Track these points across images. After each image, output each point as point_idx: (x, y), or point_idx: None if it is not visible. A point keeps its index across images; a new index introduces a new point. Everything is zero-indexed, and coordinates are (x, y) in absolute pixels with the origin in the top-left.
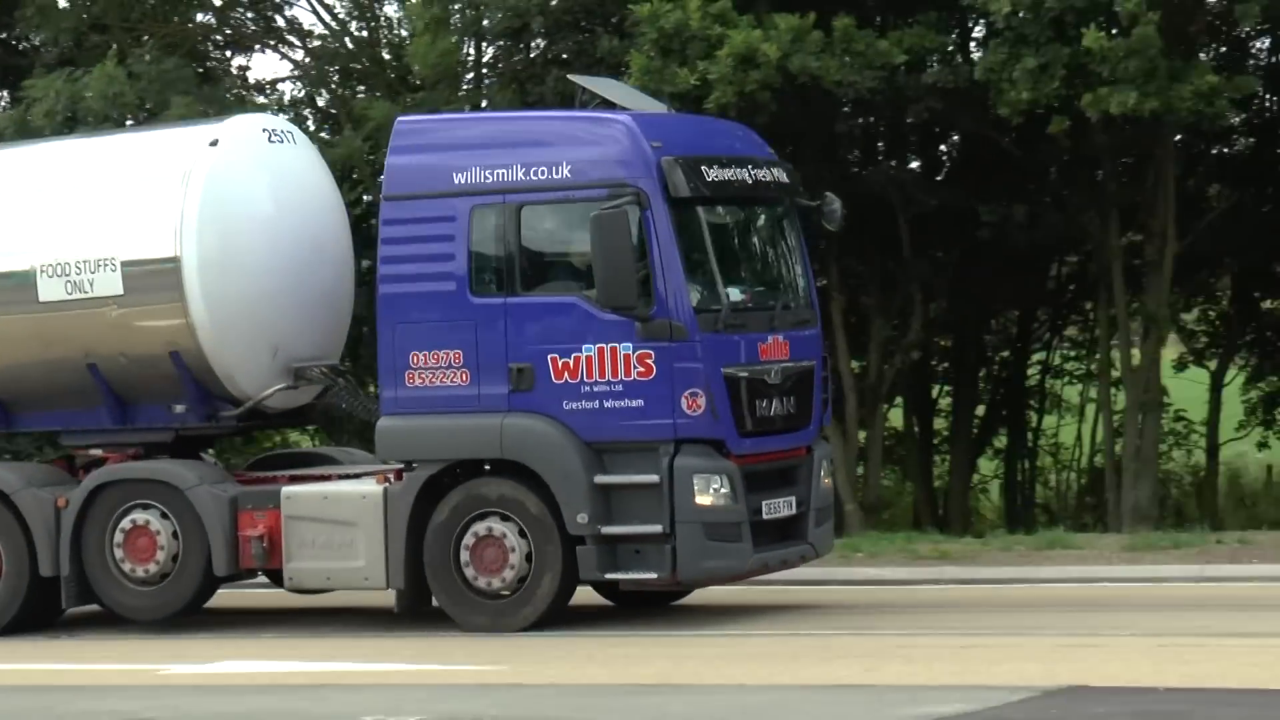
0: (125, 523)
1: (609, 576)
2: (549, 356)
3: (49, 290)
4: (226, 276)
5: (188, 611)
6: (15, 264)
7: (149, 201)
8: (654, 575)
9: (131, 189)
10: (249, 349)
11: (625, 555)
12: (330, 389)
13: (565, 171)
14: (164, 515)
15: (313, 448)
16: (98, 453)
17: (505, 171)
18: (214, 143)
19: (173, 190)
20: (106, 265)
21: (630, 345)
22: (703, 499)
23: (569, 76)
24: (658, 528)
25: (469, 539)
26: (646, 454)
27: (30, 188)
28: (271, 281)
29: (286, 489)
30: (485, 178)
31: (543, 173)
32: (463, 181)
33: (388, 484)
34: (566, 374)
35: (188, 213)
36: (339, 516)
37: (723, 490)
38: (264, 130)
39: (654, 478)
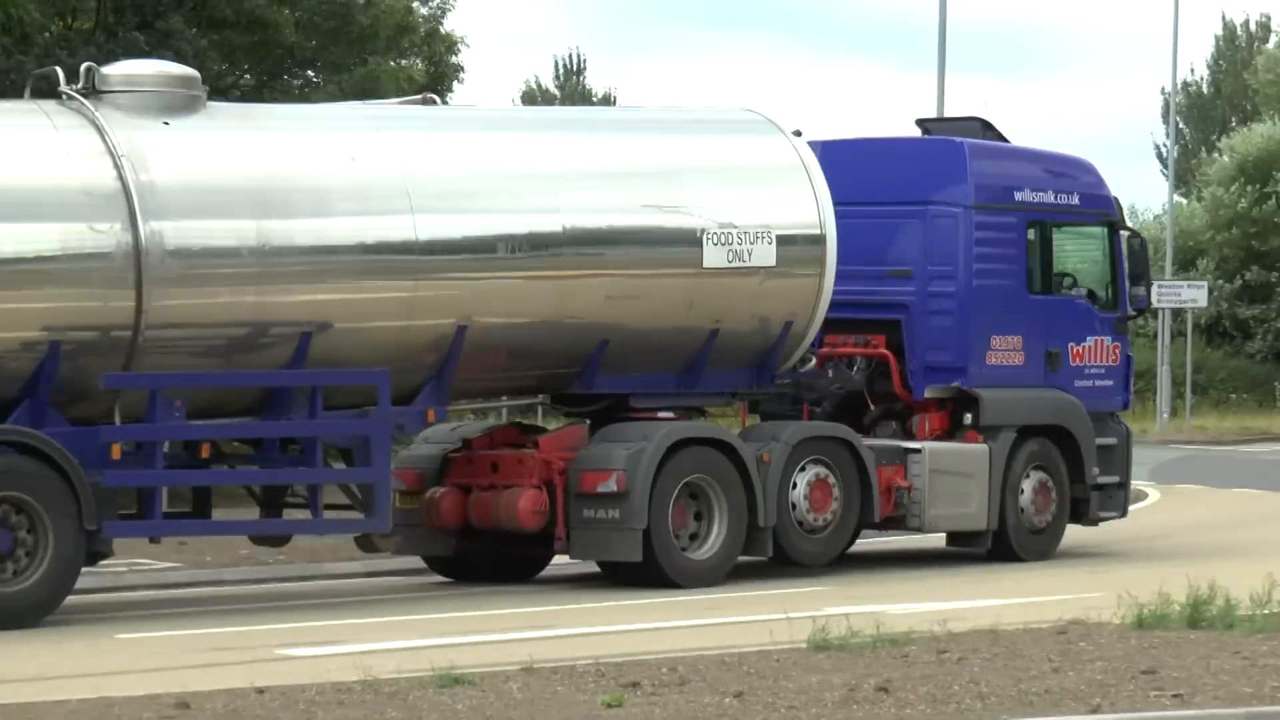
0: (809, 475)
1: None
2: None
3: (713, 257)
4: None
5: (839, 558)
6: (685, 226)
7: (790, 181)
8: (1115, 514)
9: (772, 169)
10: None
11: (1106, 499)
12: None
13: (1075, 200)
14: (830, 468)
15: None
16: (668, 415)
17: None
18: (798, 132)
19: (807, 173)
20: (764, 237)
21: (1110, 338)
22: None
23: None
24: (1116, 479)
25: (1025, 487)
26: (1107, 422)
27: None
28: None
29: (926, 445)
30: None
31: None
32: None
33: (990, 443)
34: (1079, 359)
35: (822, 194)
36: (963, 469)
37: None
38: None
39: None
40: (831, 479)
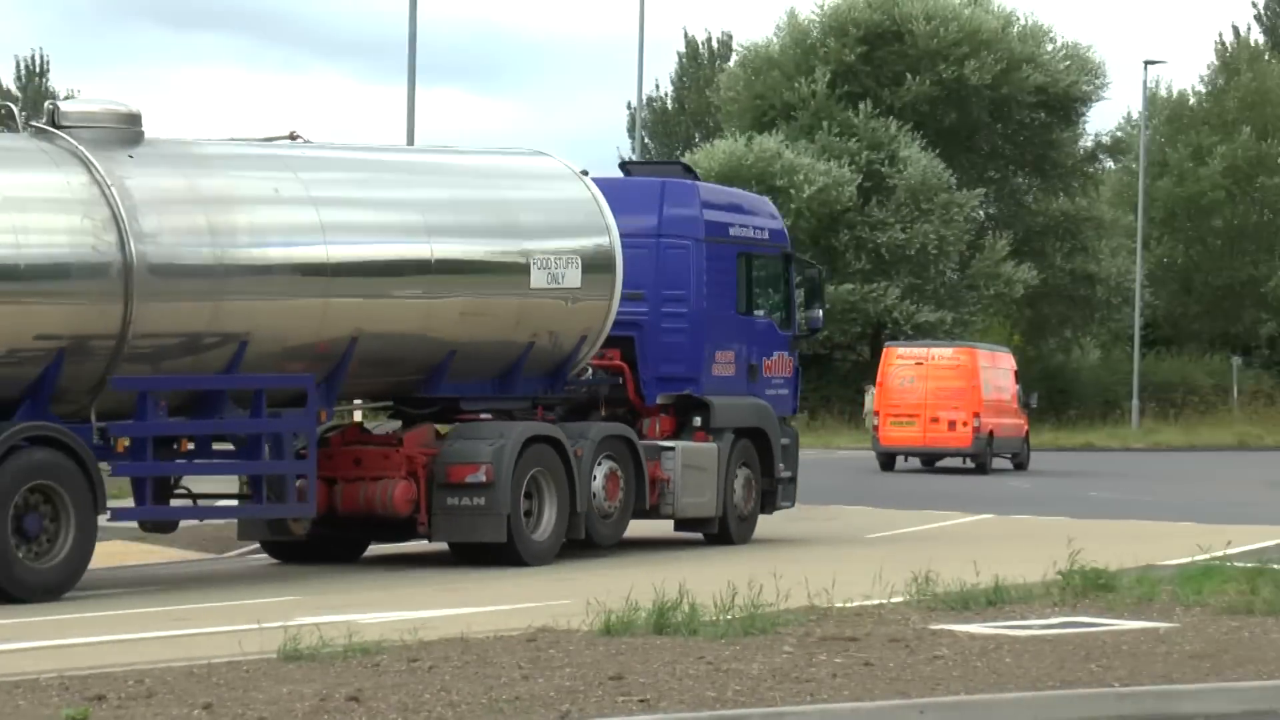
0: (605, 469)
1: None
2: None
3: (538, 280)
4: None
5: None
6: (518, 252)
7: (587, 214)
8: (788, 504)
9: (574, 203)
10: None
11: (784, 491)
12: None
13: (766, 235)
14: (618, 462)
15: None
16: (487, 416)
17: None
18: (585, 172)
19: (600, 208)
20: (572, 263)
21: (786, 353)
22: None
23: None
24: (790, 474)
25: (737, 481)
26: (783, 424)
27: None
28: None
29: (678, 444)
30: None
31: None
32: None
33: (718, 443)
34: (768, 371)
35: (611, 227)
36: (702, 465)
37: None
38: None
39: (788, 440)
40: (619, 472)
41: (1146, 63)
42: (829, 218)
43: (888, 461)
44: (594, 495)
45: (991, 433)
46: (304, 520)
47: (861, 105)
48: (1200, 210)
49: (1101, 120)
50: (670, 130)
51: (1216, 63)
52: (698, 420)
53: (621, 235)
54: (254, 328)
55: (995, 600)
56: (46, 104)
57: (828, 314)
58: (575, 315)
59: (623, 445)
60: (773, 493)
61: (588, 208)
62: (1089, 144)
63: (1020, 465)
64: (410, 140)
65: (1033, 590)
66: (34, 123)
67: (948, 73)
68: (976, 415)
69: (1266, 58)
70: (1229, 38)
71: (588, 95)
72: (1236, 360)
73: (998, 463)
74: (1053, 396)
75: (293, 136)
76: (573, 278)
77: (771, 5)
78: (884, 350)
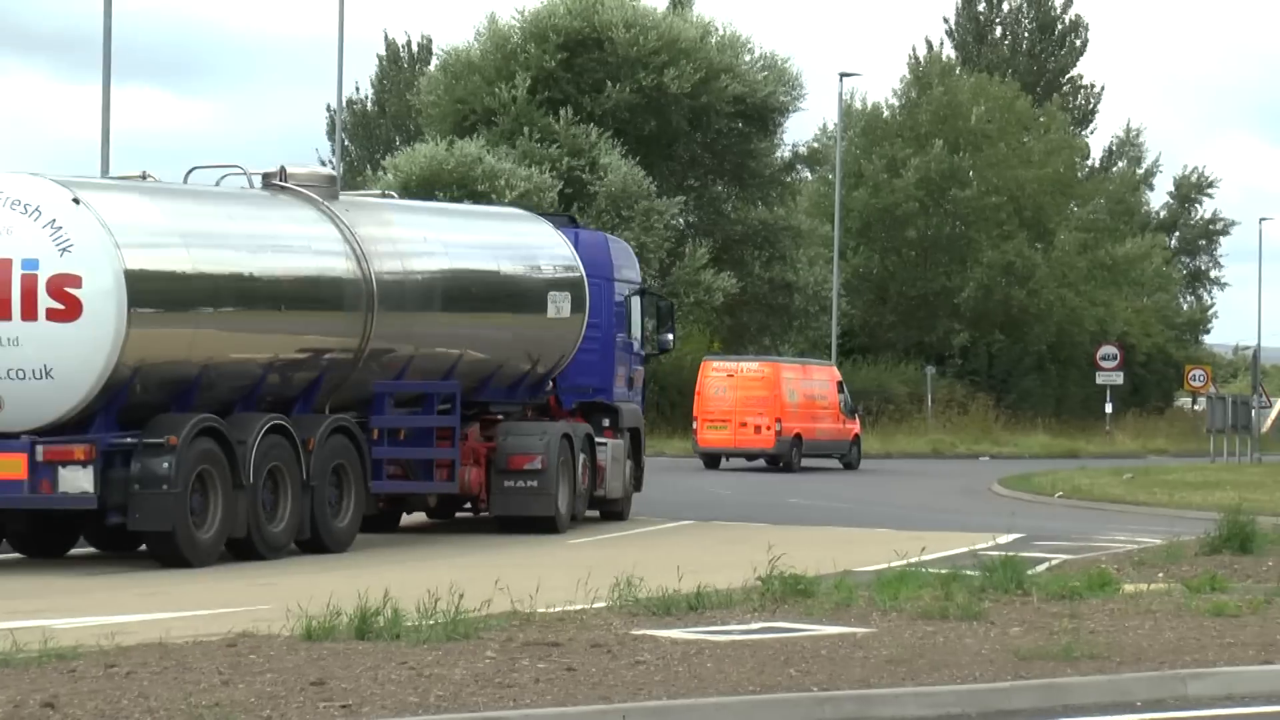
0: (582, 459)
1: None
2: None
3: (551, 310)
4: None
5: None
6: (538, 288)
7: (566, 259)
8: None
9: (556, 248)
10: None
11: (641, 477)
12: None
13: (634, 274)
14: (587, 454)
15: None
16: (501, 417)
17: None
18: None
19: (573, 253)
20: (564, 298)
21: (642, 368)
22: None
23: None
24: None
25: (627, 467)
26: None
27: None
28: None
29: (608, 441)
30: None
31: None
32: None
33: (621, 439)
34: (636, 383)
35: (581, 268)
36: (618, 456)
37: None
38: None
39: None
40: (588, 462)
41: (842, 75)
42: None
43: (710, 461)
44: (581, 480)
45: (799, 435)
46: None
47: (562, 112)
48: (895, 221)
49: (799, 131)
50: (371, 133)
51: (909, 76)
52: (606, 421)
53: None
54: (419, 345)
55: (696, 606)
56: (279, 166)
57: None
58: (562, 340)
59: (589, 441)
60: (639, 478)
61: (564, 250)
62: (786, 154)
63: (849, 465)
64: (105, 142)
65: (733, 596)
66: (275, 181)
67: (647, 81)
68: (779, 420)
69: (958, 72)
70: (922, 51)
71: (287, 96)
72: (930, 369)
73: (826, 463)
74: None
75: (144, 176)
76: (565, 311)
77: (472, 9)
78: (702, 363)
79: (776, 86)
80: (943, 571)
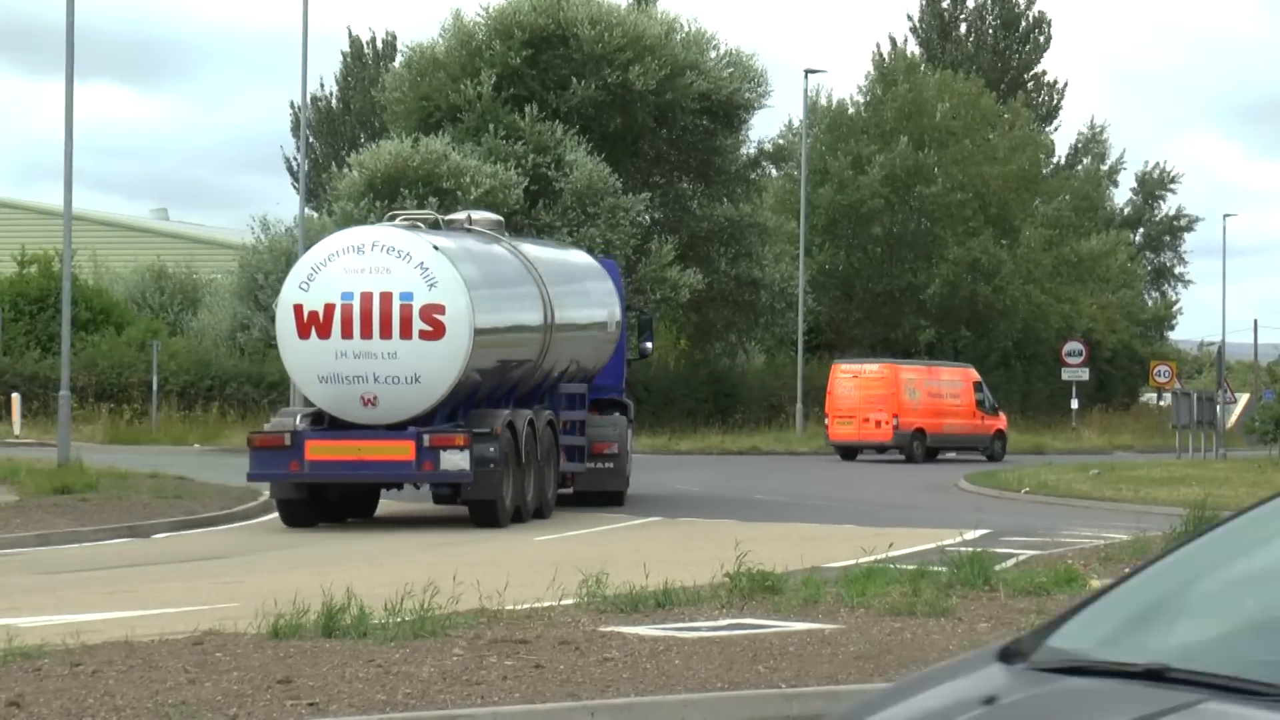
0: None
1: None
2: None
3: (608, 324)
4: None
5: None
6: (602, 314)
7: (606, 280)
8: None
9: (601, 274)
10: None
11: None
12: None
13: (625, 292)
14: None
15: None
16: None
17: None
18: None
19: (610, 277)
20: (611, 319)
21: (626, 369)
22: None
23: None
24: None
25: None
26: None
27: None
28: None
29: (628, 430)
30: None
31: (624, 291)
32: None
33: (632, 428)
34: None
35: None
36: (630, 443)
37: None
38: None
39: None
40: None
41: (807, 71)
42: None
43: (847, 453)
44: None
45: (921, 430)
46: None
47: (527, 108)
48: (860, 218)
49: (764, 128)
50: (335, 130)
51: (874, 73)
52: (617, 413)
53: None
54: (570, 356)
55: (664, 603)
56: (461, 214)
57: None
58: (607, 350)
59: (629, 429)
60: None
61: (611, 282)
62: (752, 151)
63: (991, 457)
64: (69, 138)
65: (701, 593)
66: (465, 225)
67: (612, 77)
68: (895, 416)
69: (923, 69)
70: (886, 48)
71: (251, 93)
72: None
73: (966, 455)
74: (719, 400)
75: (436, 223)
76: (611, 327)
77: (437, 6)
78: (832, 365)
79: (742, 83)
80: (910, 568)
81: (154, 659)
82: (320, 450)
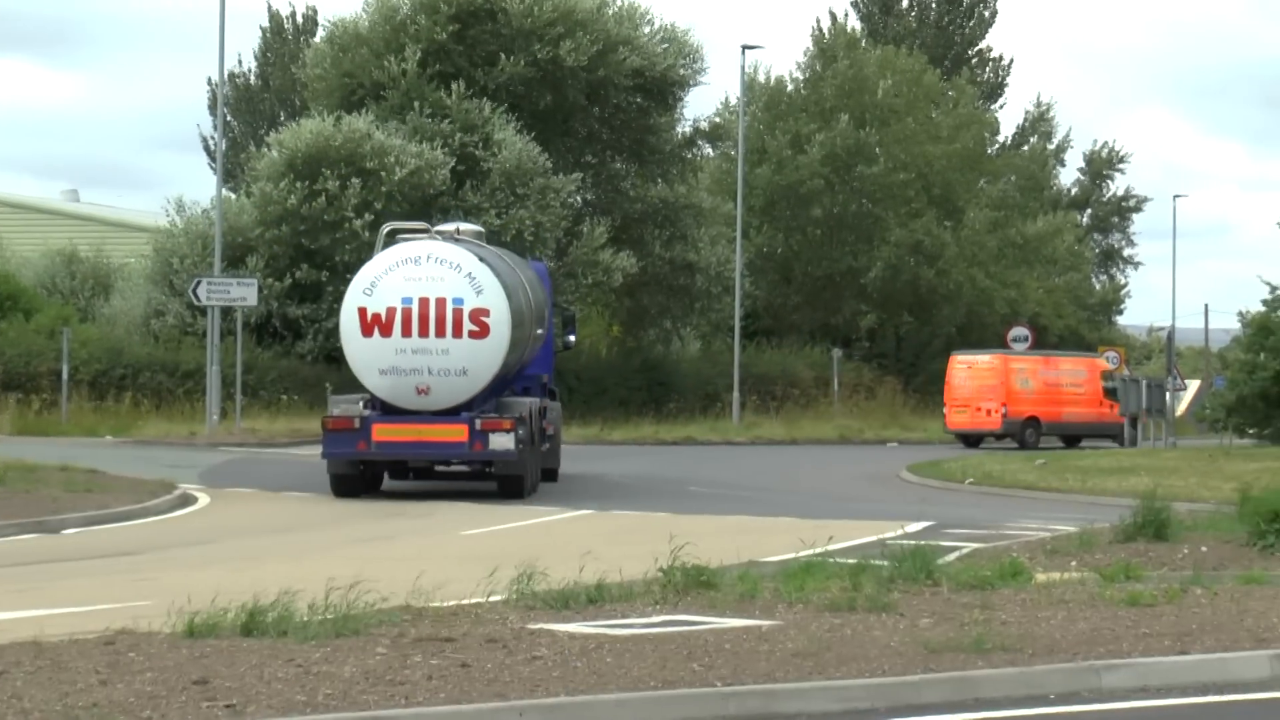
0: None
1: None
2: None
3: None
4: None
5: None
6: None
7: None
8: None
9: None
10: None
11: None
12: None
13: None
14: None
15: None
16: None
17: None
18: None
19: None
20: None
21: (553, 359)
22: None
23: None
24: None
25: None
26: None
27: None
28: None
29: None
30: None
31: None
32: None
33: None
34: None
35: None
36: (559, 426)
37: None
38: None
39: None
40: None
41: (745, 47)
42: (422, 201)
43: (970, 441)
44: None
45: (1034, 418)
46: None
47: (454, 86)
48: (799, 199)
49: (700, 105)
50: (255, 108)
51: (814, 49)
52: (547, 398)
53: None
54: (527, 351)
55: (596, 599)
56: (450, 225)
57: None
58: (542, 341)
59: (557, 413)
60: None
61: (545, 284)
62: (687, 129)
63: (1117, 439)
64: None
65: (634, 588)
66: (455, 236)
67: (542, 53)
68: (1004, 405)
69: (863, 44)
70: (826, 23)
71: (166, 68)
72: (837, 352)
73: (1088, 442)
74: (653, 389)
75: (458, 231)
76: (543, 324)
77: None
78: (950, 357)
79: (677, 59)
80: (850, 561)
81: (63, 660)
82: (386, 432)
